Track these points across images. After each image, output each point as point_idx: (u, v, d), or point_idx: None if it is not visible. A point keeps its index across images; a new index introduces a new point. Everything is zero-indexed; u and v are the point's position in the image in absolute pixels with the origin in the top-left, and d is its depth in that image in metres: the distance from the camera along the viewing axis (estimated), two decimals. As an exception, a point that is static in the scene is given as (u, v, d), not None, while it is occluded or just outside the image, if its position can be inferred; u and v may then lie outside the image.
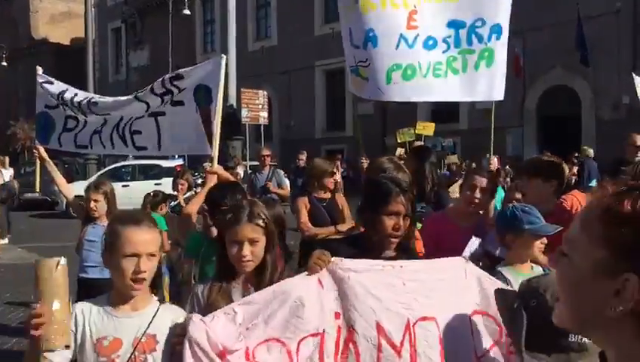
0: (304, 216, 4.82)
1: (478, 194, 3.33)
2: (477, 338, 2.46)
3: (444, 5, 4.40)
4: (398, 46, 4.31)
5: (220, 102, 3.69)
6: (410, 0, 4.34)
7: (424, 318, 2.38)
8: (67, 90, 4.46)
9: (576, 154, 14.94)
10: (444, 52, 4.41)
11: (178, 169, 17.51)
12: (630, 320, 0.86)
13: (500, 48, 4.45)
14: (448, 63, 4.41)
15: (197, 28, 35.36)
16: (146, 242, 2.08)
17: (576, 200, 6.52)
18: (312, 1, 29.22)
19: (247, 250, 2.27)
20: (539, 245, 2.90)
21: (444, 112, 23.26)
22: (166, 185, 16.48)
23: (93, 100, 4.38)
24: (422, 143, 12.68)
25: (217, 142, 3.66)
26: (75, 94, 4.43)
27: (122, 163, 19.84)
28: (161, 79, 3.99)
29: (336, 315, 2.31)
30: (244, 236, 2.27)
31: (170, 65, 27.71)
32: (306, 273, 2.32)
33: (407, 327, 2.35)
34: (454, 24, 4.40)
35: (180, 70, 3.96)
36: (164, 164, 18.43)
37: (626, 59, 19.35)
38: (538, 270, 2.91)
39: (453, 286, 2.48)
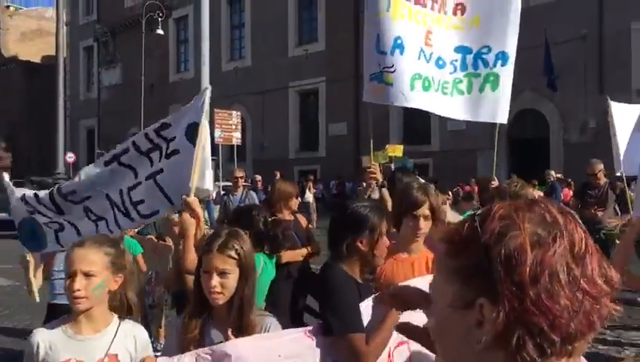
0: None
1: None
2: None
3: (452, 32, 4.67)
4: (419, 57, 4.56)
5: (202, 134, 3.36)
6: (427, 19, 4.61)
7: (401, 343, 2.38)
8: (24, 194, 3.66)
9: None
10: (450, 73, 4.67)
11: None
12: (498, 349, 0.79)
13: (506, 74, 4.68)
14: (454, 84, 4.66)
15: (170, 47, 35.28)
16: (81, 260, 2.10)
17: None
18: (286, 23, 29.44)
19: (215, 280, 2.17)
20: None
21: (416, 133, 23.54)
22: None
23: (63, 191, 3.57)
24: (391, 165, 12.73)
25: (197, 174, 3.30)
26: (35, 195, 3.64)
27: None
28: (144, 133, 3.50)
29: None
30: (213, 266, 2.18)
31: (143, 84, 27.59)
32: (300, 330, 2.25)
33: (389, 355, 2.35)
34: (462, 49, 4.67)
35: (166, 119, 3.54)
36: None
37: (592, 83, 19.88)
38: None
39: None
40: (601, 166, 7.40)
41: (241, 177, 8.96)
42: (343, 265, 2.55)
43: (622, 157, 5.37)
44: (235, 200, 8.49)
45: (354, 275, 2.52)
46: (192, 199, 3.14)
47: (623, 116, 5.50)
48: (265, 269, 3.51)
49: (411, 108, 4.80)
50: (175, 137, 3.41)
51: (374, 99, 4.70)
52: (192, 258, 2.93)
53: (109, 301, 2.19)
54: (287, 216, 5.04)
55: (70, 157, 24.97)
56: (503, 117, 4.76)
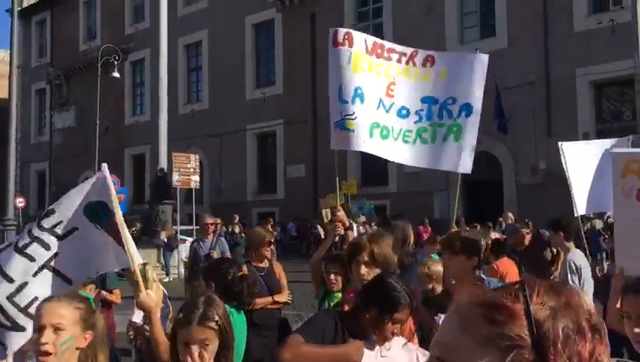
0: None
1: (363, 270, 3.13)
2: None
3: (420, 83, 4.85)
4: (378, 107, 4.75)
5: (119, 212, 3.17)
6: (390, 72, 4.82)
7: None
8: None
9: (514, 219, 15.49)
10: (415, 122, 4.81)
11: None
12: None
13: (470, 125, 4.83)
14: (418, 133, 4.80)
15: (126, 90, 35.05)
16: (50, 313, 2.05)
17: (506, 266, 6.73)
18: (244, 66, 29.71)
19: (196, 353, 2.11)
20: None
21: (373, 175, 23.82)
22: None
23: None
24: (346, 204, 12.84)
25: (133, 253, 3.13)
26: None
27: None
28: (26, 230, 3.22)
29: None
30: (193, 338, 2.13)
31: (98, 127, 27.17)
32: None
33: None
34: (428, 100, 4.83)
35: (50, 207, 3.27)
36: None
37: (541, 127, 20.63)
38: None
39: None
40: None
41: (212, 224, 8.84)
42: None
43: (577, 200, 5.52)
44: (205, 247, 8.33)
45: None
46: (135, 270, 2.92)
47: (576, 157, 5.69)
48: (235, 325, 3.43)
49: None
50: (67, 218, 3.16)
51: (340, 146, 4.84)
52: (164, 347, 2.66)
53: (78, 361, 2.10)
54: (259, 263, 5.05)
55: (20, 202, 24.17)
56: (465, 166, 4.86)
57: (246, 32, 29.74)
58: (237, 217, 17.73)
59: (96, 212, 3.14)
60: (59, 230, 3.17)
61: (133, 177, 33.86)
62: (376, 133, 4.71)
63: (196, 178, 15.48)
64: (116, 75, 27.29)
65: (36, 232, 3.16)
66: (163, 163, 14.74)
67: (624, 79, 18.05)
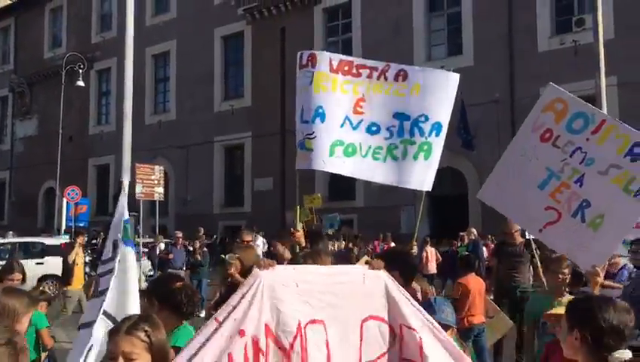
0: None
1: None
2: (365, 344, 2.46)
3: (392, 98, 4.79)
4: (342, 125, 4.71)
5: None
6: (359, 88, 4.77)
7: (313, 321, 2.39)
8: None
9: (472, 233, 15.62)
10: (386, 139, 4.77)
11: (63, 247, 16.49)
12: None
13: (437, 144, 4.84)
14: (389, 150, 4.77)
15: (91, 99, 34.47)
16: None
17: (471, 282, 6.80)
18: (212, 78, 29.53)
19: None
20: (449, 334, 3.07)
21: (341, 190, 23.84)
22: (50, 264, 15.43)
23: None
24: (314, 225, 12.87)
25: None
26: None
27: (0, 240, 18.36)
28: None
29: (241, 333, 2.28)
30: (118, 350, 2.03)
31: (61, 136, 26.62)
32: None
33: (299, 329, 2.35)
34: (400, 116, 4.78)
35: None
36: (48, 241, 17.26)
37: (505, 143, 20.85)
38: None
39: (348, 290, 2.51)
40: (518, 226, 7.71)
41: (179, 237, 8.75)
42: None
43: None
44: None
45: None
46: None
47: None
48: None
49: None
50: (117, 242, 3.25)
51: (303, 166, 4.82)
52: None
53: None
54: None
55: (-23, 211, 23.46)
56: (428, 185, 4.91)
57: (215, 44, 29.59)
58: (201, 230, 17.47)
59: (127, 230, 3.18)
60: (114, 265, 3.14)
61: (97, 188, 33.21)
62: (338, 152, 4.68)
63: (160, 190, 15.22)
64: (81, 83, 26.86)
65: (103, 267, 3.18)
66: (127, 174, 14.45)
67: (586, 99, 18.35)
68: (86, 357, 2.82)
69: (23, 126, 38.02)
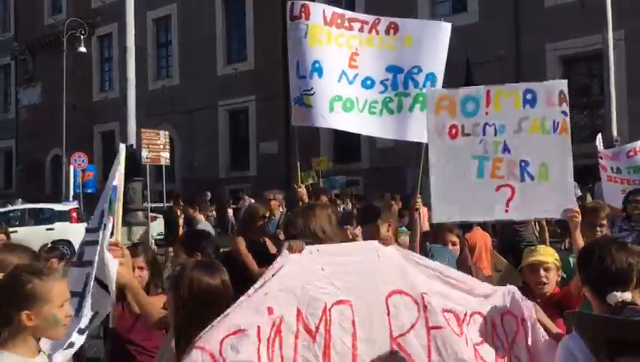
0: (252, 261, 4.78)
1: None
2: (394, 318, 2.49)
3: (384, 52, 4.73)
4: (340, 80, 4.65)
5: (121, 190, 3.15)
6: (352, 42, 4.71)
7: (339, 301, 2.43)
8: None
9: None
10: (381, 92, 4.72)
11: (73, 212, 16.65)
12: None
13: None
14: (384, 103, 4.71)
15: (94, 66, 34.26)
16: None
17: (476, 237, 6.83)
18: (215, 42, 29.23)
19: None
20: None
21: (346, 151, 23.83)
22: (59, 229, 15.61)
23: None
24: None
25: (119, 232, 3.13)
26: None
27: (9, 207, 18.55)
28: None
29: (269, 310, 2.34)
30: None
31: (65, 104, 26.58)
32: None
33: (324, 311, 2.39)
34: (393, 69, 4.73)
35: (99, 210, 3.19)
36: (57, 207, 17.44)
37: (511, 102, 20.80)
38: None
39: (368, 268, 2.55)
40: None
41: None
42: None
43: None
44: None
45: None
46: (123, 270, 2.93)
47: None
48: None
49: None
50: (104, 211, 3.07)
51: (300, 122, 4.80)
52: (153, 311, 2.86)
53: None
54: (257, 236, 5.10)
55: (-15, 180, 23.67)
56: (425, 136, 4.90)
57: (216, 6, 29.19)
58: (208, 194, 17.61)
59: (110, 201, 3.10)
60: (99, 236, 3.01)
61: (103, 154, 33.30)
62: (337, 107, 4.63)
63: (166, 154, 15.26)
64: (83, 49, 26.71)
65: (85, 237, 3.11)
66: (132, 140, 14.47)
67: (593, 54, 18.25)
68: (88, 325, 2.89)
69: (26, 94, 37.93)
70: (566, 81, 3.56)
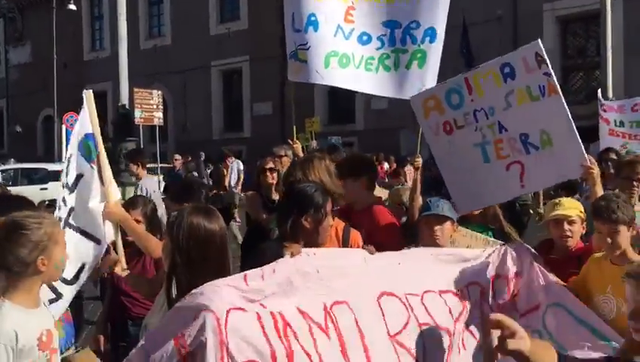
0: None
1: None
2: (388, 318, 2.56)
3: (381, 6, 4.58)
4: (335, 34, 4.51)
5: (100, 140, 3.13)
6: None
7: (337, 302, 2.46)
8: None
9: None
10: (377, 49, 4.57)
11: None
12: None
13: (434, 51, 4.60)
14: (381, 60, 4.57)
15: (84, 24, 33.61)
16: None
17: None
18: (207, 0, 28.69)
19: None
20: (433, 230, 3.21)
21: (340, 113, 23.72)
22: (53, 189, 15.57)
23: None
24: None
25: (110, 181, 3.07)
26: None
27: (2, 167, 18.46)
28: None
29: (262, 306, 2.32)
30: None
31: (56, 63, 26.21)
32: None
33: (325, 310, 2.41)
34: (390, 24, 4.57)
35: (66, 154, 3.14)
36: (51, 167, 17.37)
37: (507, 63, 20.62)
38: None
39: (358, 272, 2.61)
40: None
41: (177, 160, 8.83)
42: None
43: None
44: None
45: None
46: (114, 207, 3.02)
47: None
48: None
49: (334, 87, 4.80)
50: (71, 158, 3.06)
51: (295, 78, 4.68)
52: (152, 240, 3.10)
53: None
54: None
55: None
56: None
57: (209, -37, 28.57)
58: (202, 155, 17.57)
59: (88, 148, 3.06)
60: (70, 180, 3.05)
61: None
62: (333, 63, 4.49)
63: (159, 115, 15.14)
64: (72, 7, 26.20)
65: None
66: (125, 100, 14.33)
67: (590, 15, 18.06)
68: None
69: (16, 53, 37.31)
70: (538, 40, 3.43)
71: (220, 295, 2.16)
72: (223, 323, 2.11)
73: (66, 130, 23.39)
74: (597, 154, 5.85)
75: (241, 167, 15.95)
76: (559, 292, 2.84)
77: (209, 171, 16.14)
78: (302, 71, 4.55)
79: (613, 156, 5.84)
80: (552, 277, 2.89)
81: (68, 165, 3.11)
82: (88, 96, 3.21)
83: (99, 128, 3.15)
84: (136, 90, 14.60)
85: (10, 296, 2.11)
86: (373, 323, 2.50)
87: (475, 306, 2.78)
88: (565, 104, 3.29)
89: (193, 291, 2.15)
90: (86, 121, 3.12)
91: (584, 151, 3.34)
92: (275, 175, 5.08)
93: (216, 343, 2.06)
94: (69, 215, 2.98)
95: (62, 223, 2.88)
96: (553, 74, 3.31)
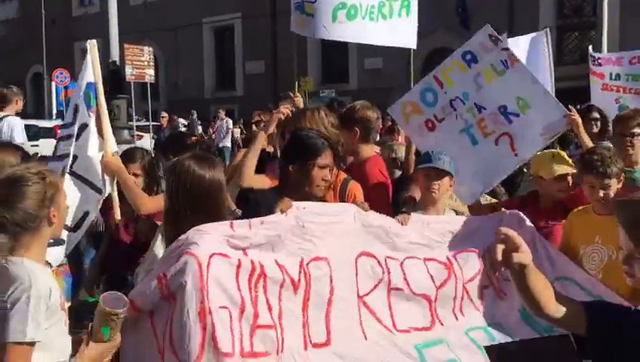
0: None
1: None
2: (360, 278, 2.64)
3: None
4: None
5: (101, 90, 3.17)
6: None
7: (317, 258, 2.54)
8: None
9: None
10: None
11: (57, 129, 16.46)
12: None
13: (414, 1, 4.74)
14: (379, 8, 4.63)
15: (72, -22, 32.84)
16: None
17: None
18: (198, -46, 28.01)
19: None
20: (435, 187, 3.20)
21: (334, 72, 23.51)
22: (44, 146, 15.46)
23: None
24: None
25: (108, 133, 3.11)
26: None
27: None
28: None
29: (245, 252, 2.40)
30: None
31: (44, 18, 25.67)
32: None
33: (301, 265, 2.48)
34: None
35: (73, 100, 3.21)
36: (41, 123, 17.22)
37: (502, 22, 20.38)
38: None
39: (344, 229, 2.66)
40: None
41: (164, 117, 8.77)
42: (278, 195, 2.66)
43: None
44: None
45: None
46: (112, 160, 3.07)
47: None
48: None
49: (330, 43, 4.77)
50: (77, 106, 3.11)
51: (299, 31, 4.69)
52: (144, 199, 3.18)
53: None
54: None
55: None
56: (413, 42, 4.85)
57: None
58: (194, 113, 17.45)
59: (89, 96, 3.11)
60: (75, 129, 3.09)
61: (85, 72, 32.52)
62: (341, 16, 4.49)
63: (151, 71, 14.96)
64: (60, -40, 25.45)
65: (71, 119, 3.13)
66: (115, 57, 14.13)
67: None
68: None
69: (3, 8, 36.44)
70: (488, 25, 3.62)
71: (205, 239, 2.23)
72: (205, 268, 2.19)
73: (56, 86, 23.13)
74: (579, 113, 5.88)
75: (231, 125, 15.96)
76: (567, 267, 2.92)
77: (200, 129, 16.11)
78: (307, 25, 4.51)
79: (596, 115, 5.79)
80: (556, 251, 3.00)
81: (74, 115, 3.15)
82: (92, 45, 3.27)
83: (101, 78, 3.19)
84: (126, 46, 14.39)
85: (26, 255, 1.97)
86: (346, 282, 2.58)
87: (473, 272, 2.89)
88: (527, 69, 3.58)
89: (181, 236, 2.22)
90: (89, 71, 3.15)
91: (560, 105, 3.48)
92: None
93: (195, 287, 2.15)
94: (72, 163, 3.01)
95: (66, 171, 2.96)
96: (509, 46, 3.63)
